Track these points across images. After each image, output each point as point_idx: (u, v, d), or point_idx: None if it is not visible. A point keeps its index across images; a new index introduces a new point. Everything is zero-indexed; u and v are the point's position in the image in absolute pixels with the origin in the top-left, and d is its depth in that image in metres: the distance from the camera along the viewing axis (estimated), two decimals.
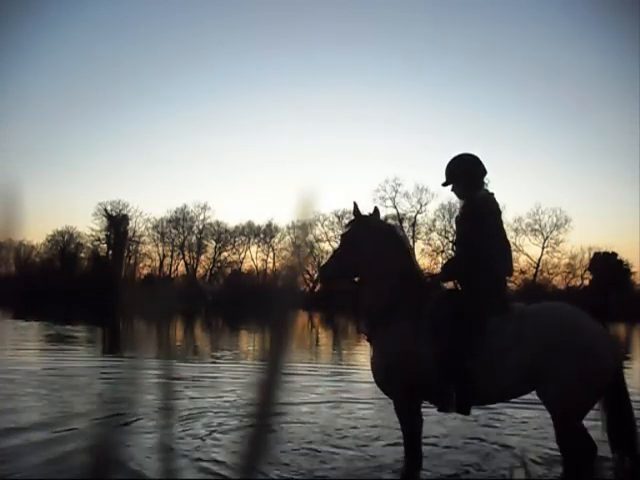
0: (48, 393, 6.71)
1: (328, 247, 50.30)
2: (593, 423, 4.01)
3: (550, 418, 3.79)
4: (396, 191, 53.16)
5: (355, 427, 5.32)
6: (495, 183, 4.39)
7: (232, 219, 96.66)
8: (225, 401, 6.45)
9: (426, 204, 53.52)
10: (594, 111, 71.48)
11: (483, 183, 4.18)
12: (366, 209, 4.31)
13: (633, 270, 50.59)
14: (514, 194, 61.65)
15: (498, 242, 4.06)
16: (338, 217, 51.47)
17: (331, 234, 52.27)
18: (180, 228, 57.65)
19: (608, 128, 66.43)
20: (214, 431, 4.97)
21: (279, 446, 4.41)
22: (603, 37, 69.55)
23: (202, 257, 58.84)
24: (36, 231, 59.80)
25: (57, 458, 4.09)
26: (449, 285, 4.23)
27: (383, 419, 5.47)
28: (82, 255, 57.84)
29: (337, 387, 7.94)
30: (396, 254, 4.15)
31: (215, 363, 10.76)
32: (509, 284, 4.81)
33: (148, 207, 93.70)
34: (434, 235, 53.81)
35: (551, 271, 53.88)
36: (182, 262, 58.81)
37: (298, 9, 74.68)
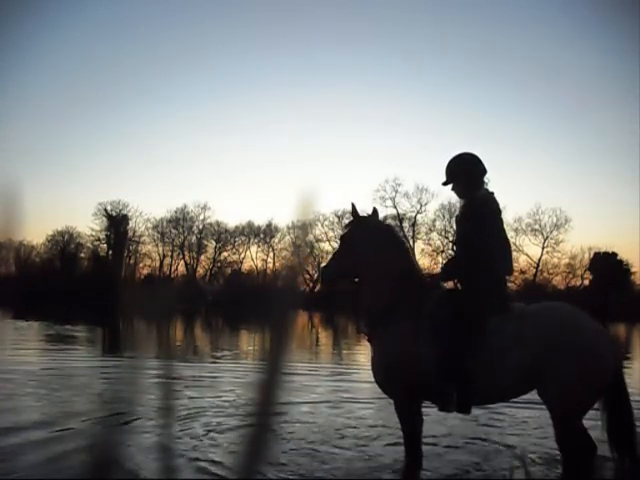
0: (48, 393, 6.71)
1: (328, 247, 50.40)
2: (593, 423, 4.02)
3: (550, 418, 3.79)
4: (396, 191, 53.27)
5: (355, 427, 5.32)
6: (495, 183, 4.40)
7: (232, 219, 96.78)
8: (224, 401, 6.45)
9: (426, 204, 53.64)
10: (594, 111, 71.58)
11: (483, 182, 4.18)
12: (366, 209, 4.33)
13: (633, 270, 50.66)
14: (514, 194, 61.61)
15: (498, 241, 4.06)
16: (338, 217, 51.49)
17: (331, 234, 52.32)
18: (180, 228, 57.69)
19: (608, 128, 66.52)
20: (212, 430, 4.98)
21: (278, 446, 4.41)
22: (603, 37, 69.65)
23: (202, 257, 58.92)
24: (36, 231, 59.89)
25: (56, 457, 4.10)
26: (449, 285, 4.23)
27: (383, 419, 5.47)
28: (82, 255, 57.87)
29: (337, 387, 7.94)
30: (395, 254, 4.16)
31: (215, 363, 10.77)
32: (509, 284, 4.81)
33: (148, 207, 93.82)
34: (434, 235, 53.93)
35: (551, 271, 53.95)
36: (182, 262, 58.88)
37: (298, 9, 74.78)
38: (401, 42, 75.00)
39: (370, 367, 4.20)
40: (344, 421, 5.58)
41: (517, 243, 50.16)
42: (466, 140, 61.80)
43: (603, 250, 50.81)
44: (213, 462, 4.05)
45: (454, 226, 5.18)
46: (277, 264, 55.95)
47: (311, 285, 49.31)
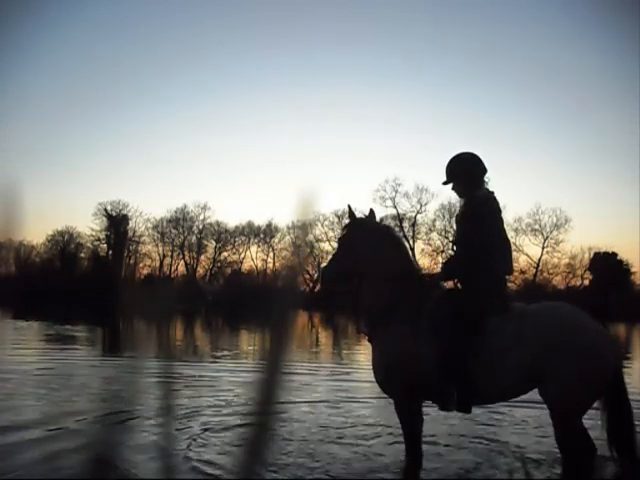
0: (47, 393, 6.71)
1: (328, 247, 50.37)
2: (593, 423, 4.02)
3: (550, 417, 3.79)
4: (396, 191, 53.22)
5: (354, 426, 5.32)
6: (495, 183, 4.39)
7: (232, 219, 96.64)
8: (223, 400, 6.45)
9: (426, 204, 53.59)
10: (594, 111, 71.49)
11: (483, 182, 4.18)
12: (366, 210, 4.34)
13: (633, 270, 50.64)
14: (514, 194, 61.55)
15: (498, 241, 4.06)
16: (338, 217, 51.40)
17: (331, 234, 52.28)
18: (180, 228, 57.68)
19: (608, 128, 66.44)
20: (209, 430, 4.98)
21: (278, 446, 4.41)
22: (603, 37, 69.61)
23: (202, 257, 58.90)
24: (36, 231, 59.71)
25: (52, 456, 4.10)
26: (449, 285, 4.23)
27: (383, 418, 5.47)
28: (82, 255, 57.85)
29: (337, 386, 7.94)
30: (395, 255, 4.17)
31: (215, 363, 10.77)
32: (509, 284, 4.81)
33: (148, 207, 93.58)
34: (434, 235, 53.88)
35: (551, 271, 53.95)
36: (182, 262, 58.87)
37: (298, 9, 74.70)
38: (401, 42, 75.02)
39: (370, 367, 4.20)
40: (344, 420, 5.58)
41: (517, 243, 50.22)
42: (466, 140, 61.82)
43: (603, 250, 50.83)
44: (207, 462, 4.05)
45: (454, 226, 5.18)
46: (277, 264, 55.99)
47: (311, 285, 49.29)
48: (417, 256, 48.92)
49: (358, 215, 4.33)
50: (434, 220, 53.54)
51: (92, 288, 41.19)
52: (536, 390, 3.83)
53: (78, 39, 70.96)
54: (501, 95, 75.14)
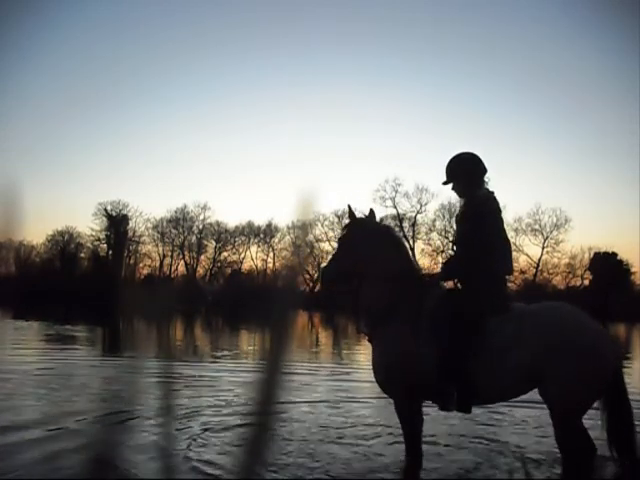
0: (47, 392, 6.71)
1: (328, 247, 50.38)
2: (593, 423, 4.02)
3: (549, 417, 3.79)
4: (396, 191, 53.23)
5: (354, 426, 5.32)
6: (495, 183, 4.39)
7: (232, 219, 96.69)
8: (223, 400, 6.46)
9: (426, 204, 53.60)
10: (594, 111, 71.52)
11: (483, 182, 4.18)
12: (366, 209, 4.35)
13: (633, 270, 50.65)
14: (514, 194, 61.56)
15: (498, 241, 4.06)
16: (338, 217, 51.41)
17: (331, 234, 52.29)
18: (180, 228, 57.68)
19: (608, 128, 66.47)
20: (209, 429, 4.98)
21: (278, 446, 4.41)
22: (603, 37, 69.61)
23: (202, 257, 58.91)
24: (36, 231, 59.71)
25: (52, 456, 4.10)
26: (449, 285, 4.23)
27: (383, 418, 5.47)
28: (82, 255, 57.85)
29: (337, 386, 7.94)
30: (395, 255, 4.17)
31: (215, 363, 10.77)
32: (509, 284, 4.81)
33: (148, 207, 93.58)
34: (434, 235, 53.89)
35: (551, 271, 53.95)
36: (182, 262, 58.88)
37: (298, 9, 74.72)
38: (401, 42, 75.06)
39: (370, 367, 4.20)
40: (344, 420, 5.58)
41: (517, 243, 50.22)
42: (466, 140, 61.85)
43: (603, 250, 50.84)
44: (207, 462, 4.05)
45: (454, 226, 5.18)
46: (277, 264, 55.98)
47: (311, 285, 49.29)
48: (417, 256, 48.93)
49: (358, 215, 4.33)
50: (434, 220, 53.62)
51: (92, 288, 41.19)
52: (536, 390, 3.83)
53: (78, 39, 71.05)
54: (501, 95, 75.23)
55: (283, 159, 77.43)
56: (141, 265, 57.01)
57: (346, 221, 4.53)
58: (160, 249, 57.99)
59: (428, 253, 53.40)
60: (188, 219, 57.86)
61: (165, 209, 72.34)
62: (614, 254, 50.18)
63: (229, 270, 59.03)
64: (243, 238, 58.64)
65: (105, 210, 55.29)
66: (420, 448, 4.05)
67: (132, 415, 4.90)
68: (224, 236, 58.22)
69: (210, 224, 58.02)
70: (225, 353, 12.79)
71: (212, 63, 78.19)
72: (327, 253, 48.36)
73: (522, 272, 51.23)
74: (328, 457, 4.28)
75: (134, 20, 70.92)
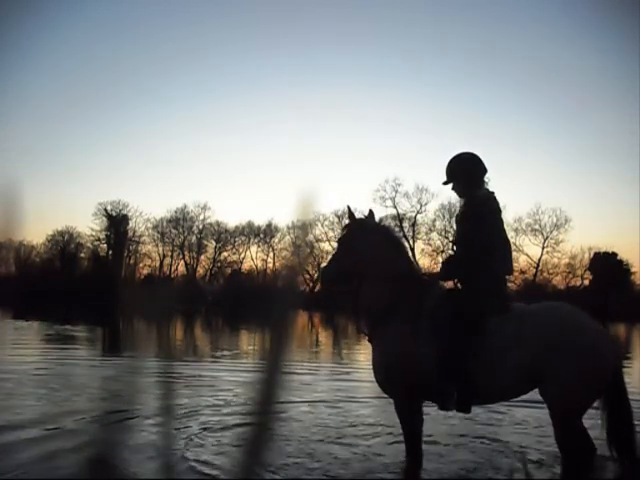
0: (47, 392, 6.71)
1: (328, 247, 50.36)
2: (593, 423, 4.02)
3: (549, 417, 3.79)
4: (396, 191, 53.20)
5: (354, 426, 5.32)
6: (495, 183, 4.40)
7: (232, 219, 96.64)
8: (222, 400, 6.46)
9: (426, 204, 53.56)
10: (594, 111, 71.50)
11: (483, 182, 4.18)
12: (366, 209, 4.36)
13: (633, 270, 50.63)
14: (514, 194, 61.55)
15: (498, 241, 4.07)
16: (338, 217, 51.38)
17: (331, 234, 52.27)
18: (180, 228, 57.66)
19: (608, 128, 66.43)
20: (207, 429, 4.98)
21: (277, 446, 4.41)
22: (603, 37, 69.59)
23: (202, 257, 58.89)
24: (36, 231, 59.73)
25: (49, 455, 4.10)
26: (449, 285, 4.23)
27: (383, 418, 5.47)
28: (82, 255, 57.83)
29: (337, 386, 7.94)
30: (395, 255, 4.17)
31: (215, 363, 10.77)
32: (509, 284, 4.81)
33: (148, 207, 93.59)
34: (434, 235, 53.86)
35: (551, 271, 53.94)
36: (182, 262, 58.85)
37: (298, 9, 74.71)
38: (401, 42, 75.01)
39: (370, 367, 4.20)
40: (343, 420, 5.58)
41: (517, 243, 50.20)
42: (466, 140, 61.82)
43: (603, 250, 50.82)
44: (204, 462, 4.04)
45: (454, 226, 5.19)
46: (277, 264, 55.97)
47: (311, 285, 49.29)
48: (417, 256, 49.00)
49: (358, 215, 4.34)
50: (434, 220, 53.58)
51: (92, 288, 41.19)
52: (536, 390, 3.83)
53: (78, 39, 71.02)
54: (501, 95, 75.22)
55: (283, 159, 77.49)
56: (141, 265, 57.06)
57: (346, 221, 4.54)
58: (160, 249, 58.04)
59: (428, 253, 53.45)
60: (188, 219, 57.89)
61: (165, 209, 72.37)
62: (614, 254, 50.19)
63: (229, 270, 59.02)
64: (243, 238, 58.67)
65: (105, 210, 55.31)
66: (420, 448, 4.05)
67: (132, 415, 4.89)
68: (224, 236, 58.23)
69: (210, 224, 58.06)
70: (225, 353, 12.79)
71: (212, 63, 78.23)
72: (327, 253, 48.36)
73: (522, 272, 51.24)
74: (328, 457, 4.28)
75: (134, 20, 70.96)
